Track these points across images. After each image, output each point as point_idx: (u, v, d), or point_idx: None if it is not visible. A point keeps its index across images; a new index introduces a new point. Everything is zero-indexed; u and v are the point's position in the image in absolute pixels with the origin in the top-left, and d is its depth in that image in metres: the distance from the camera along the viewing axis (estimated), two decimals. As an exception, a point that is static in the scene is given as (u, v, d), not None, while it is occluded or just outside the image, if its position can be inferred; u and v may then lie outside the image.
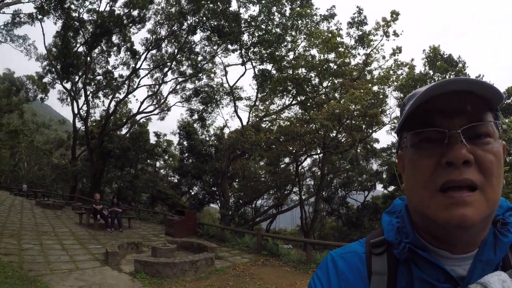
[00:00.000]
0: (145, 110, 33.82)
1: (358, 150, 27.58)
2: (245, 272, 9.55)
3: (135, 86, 33.82)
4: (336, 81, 22.53)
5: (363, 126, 20.15)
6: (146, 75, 33.32)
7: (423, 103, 0.74)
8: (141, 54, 31.83)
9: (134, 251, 11.47)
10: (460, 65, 23.87)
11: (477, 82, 0.70)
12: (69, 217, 19.86)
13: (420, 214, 0.79)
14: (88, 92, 33.35)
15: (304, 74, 22.31)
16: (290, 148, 22.57)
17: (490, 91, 0.71)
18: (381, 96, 20.55)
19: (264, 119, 25.32)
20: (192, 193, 35.12)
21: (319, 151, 24.10)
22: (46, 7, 24.46)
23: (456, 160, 0.70)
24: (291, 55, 23.40)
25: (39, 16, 25.93)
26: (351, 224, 29.18)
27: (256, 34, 23.46)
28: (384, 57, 23.19)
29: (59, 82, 33.51)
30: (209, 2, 24.88)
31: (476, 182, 0.71)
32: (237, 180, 32.49)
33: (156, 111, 34.46)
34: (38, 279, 7.42)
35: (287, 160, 29.26)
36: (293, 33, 22.50)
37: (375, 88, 20.75)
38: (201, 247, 11.73)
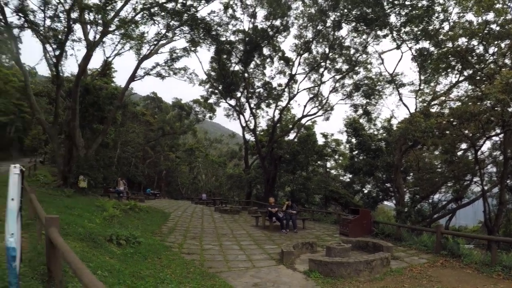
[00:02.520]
0: (309, 113, 35.06)
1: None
2: (422, 273, 9.16)
3: (295, 92, 35.88)
4: (502, 45, 19.35)
5: (546, 92, 16.78)
6: (304, 79, 35.22)
7: None
8: (293, 60, 33.79)
9: (308, 251, 11.82)
10: None
11: None
12: (246, 220, 21.38)
13: None
14: (252, 105, 36.69)
15: (465, 44, 19.81)
16: (466, 132, 21.24)
17: None
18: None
19: (432, 103, 22.97)
20: (365, 191, 35.45)
21: (498, 131, 21.52)
22: (196, 39, 27.50)
23: None
24: (445, 26, 21.08)
25: (192, 48, 29.62)
26: (544, 218, 24.67)
27: (403, 13, 21.83)
28: (549, 3, 18.84)
29: (224, 101, 38.29)
30: (345, -8, 24.49)
31: None
32: (411, 173, 31.06)
33: (320, 112, 35.31)
34: (217, 275, 8.26)
35: (464, 146, 27.20)
36: (441, 1, 20.17)
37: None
38: (376, 246, 11.58)
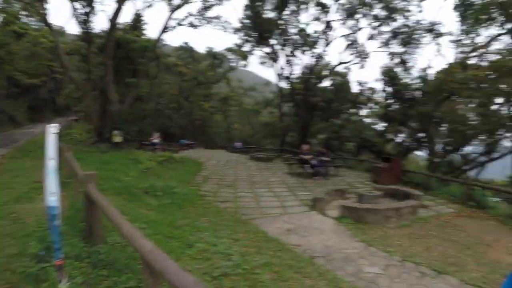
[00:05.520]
0: (344, 61, 33.78)
1: None
2: (448, 222, 9.18)
3: (330, 39, 33.35)
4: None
5: None
6: (340, 26, 31.94)
7: None
8: (329, 6, 31.20)
9: (339, 198, 11.63)
10: None
11: None
12: (280, 168, 20.12)
13: None
14: (287, 52, 34.62)
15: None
16: (504, 86, 21.00)
17: None
18: None
19: (470, 55, 23.54)
20: (398, 141, 33.78)
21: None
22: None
23: None
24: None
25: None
26: None
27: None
28: None
29: (258, 48, 36.23)
30: None
31: None
32: (444, 125, 29.40)
33: (356, 60, 33.58)
34: (250, 221, 8.32)
35: (499, 100, 24.92)
36: None
37: None
38: (406, 194, 11.25)
